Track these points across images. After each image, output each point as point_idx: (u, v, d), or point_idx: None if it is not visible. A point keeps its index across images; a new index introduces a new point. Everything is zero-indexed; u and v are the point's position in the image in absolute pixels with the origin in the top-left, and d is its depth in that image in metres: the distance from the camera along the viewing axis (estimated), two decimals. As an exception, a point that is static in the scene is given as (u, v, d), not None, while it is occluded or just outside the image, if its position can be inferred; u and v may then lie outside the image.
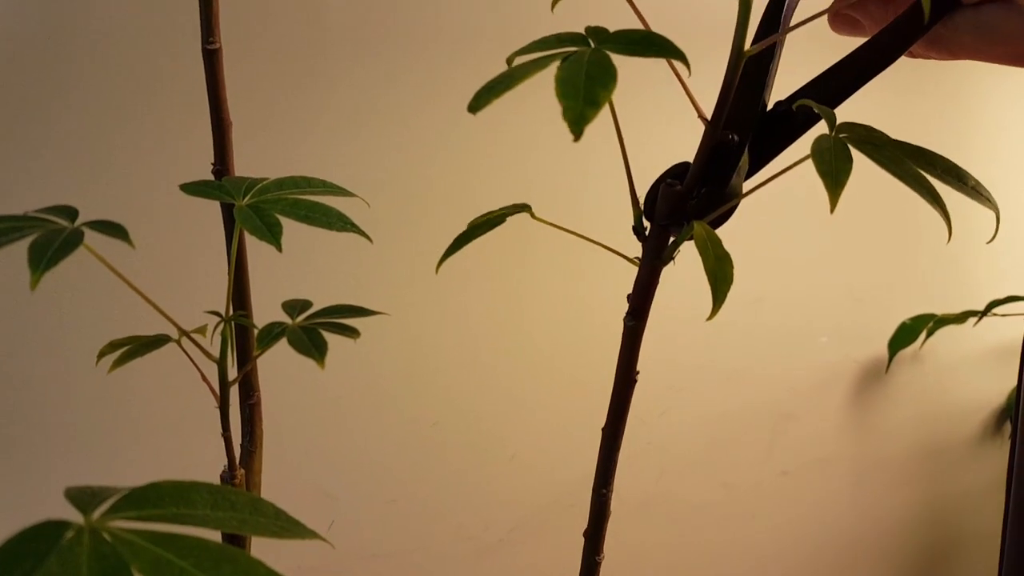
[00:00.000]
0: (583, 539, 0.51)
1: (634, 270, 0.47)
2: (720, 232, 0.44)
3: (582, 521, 0.52)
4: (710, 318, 0.42)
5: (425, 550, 1.08)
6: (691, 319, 1.13)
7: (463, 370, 1.06)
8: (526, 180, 1.03)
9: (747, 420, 1.25)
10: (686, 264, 0.49)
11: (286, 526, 0.36)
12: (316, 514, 0.97)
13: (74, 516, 0.31)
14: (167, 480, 0.34)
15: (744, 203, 0.45)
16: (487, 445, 1.10)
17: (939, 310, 1.29)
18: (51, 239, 0.36)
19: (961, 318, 1.26)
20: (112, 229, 0.37)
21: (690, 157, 0.44)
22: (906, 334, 1.26)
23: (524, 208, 0.52)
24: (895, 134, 0.42)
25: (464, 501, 1.10)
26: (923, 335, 1.28)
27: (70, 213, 0.39)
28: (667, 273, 0.48)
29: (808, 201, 1.18)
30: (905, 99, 1.23)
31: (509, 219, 0.53)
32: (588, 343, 1.09)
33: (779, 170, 0.44)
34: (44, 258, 0.34)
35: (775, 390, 1.26)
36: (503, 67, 0.39)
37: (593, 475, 0.50)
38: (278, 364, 0.56)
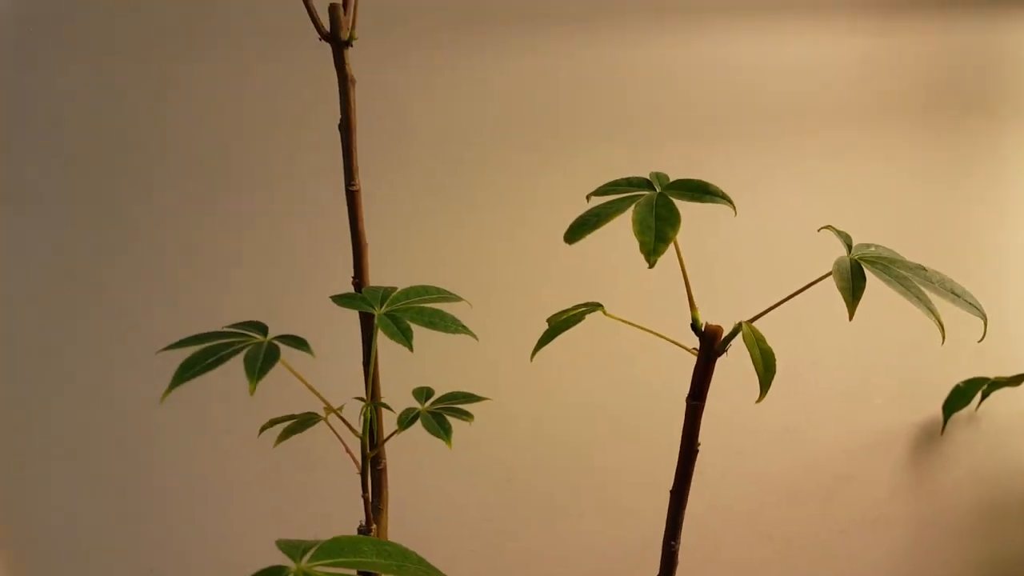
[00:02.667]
0: (655, 586, 0.62)
1: (692, 358, 0.59)
2: (771, 301, 0.55)
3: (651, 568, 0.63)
4: (759, 401, 0.54)
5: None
6: (748, 385, 1.23)
7: (538, 436, 1.18)
8: (602, 284, 1.16)
9: (804, 480, 1.34)
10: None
11: (428, 571, 0.48)
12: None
13: (286, 562, 0.44)
14: (343, 536, 0.48)
15: (799, 270, 0.57)
16: (560, 500, 1.21)
17: (993, 372, 1.36)
18: (256, 353, 0.49)
19: (1015, 381, 1.33)
20: (297, 342, 0.51)
21: (740, 263, 0.56)
22: (960, 397, 1.33)
23: (598, 307, 0.65)
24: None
25: (535, 554, 1.21)
26: (978, 398, 1.35)
27: (261, 328, 0.53)
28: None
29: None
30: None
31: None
32: (651, 418, 1.21)
33: (803, 286, 0.56)
34: (256, 369, 0.48)
35: (831, 451, 1.35)
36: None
37: (655, 536, 0.61)
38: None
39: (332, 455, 0.70)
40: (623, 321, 0.64)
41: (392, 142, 1.07)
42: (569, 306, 0.66)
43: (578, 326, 0.67)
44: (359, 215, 0.62)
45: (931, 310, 0.49)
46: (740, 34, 1.17)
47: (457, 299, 0.64)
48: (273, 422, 0.63)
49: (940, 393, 1.38)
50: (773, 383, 1.20)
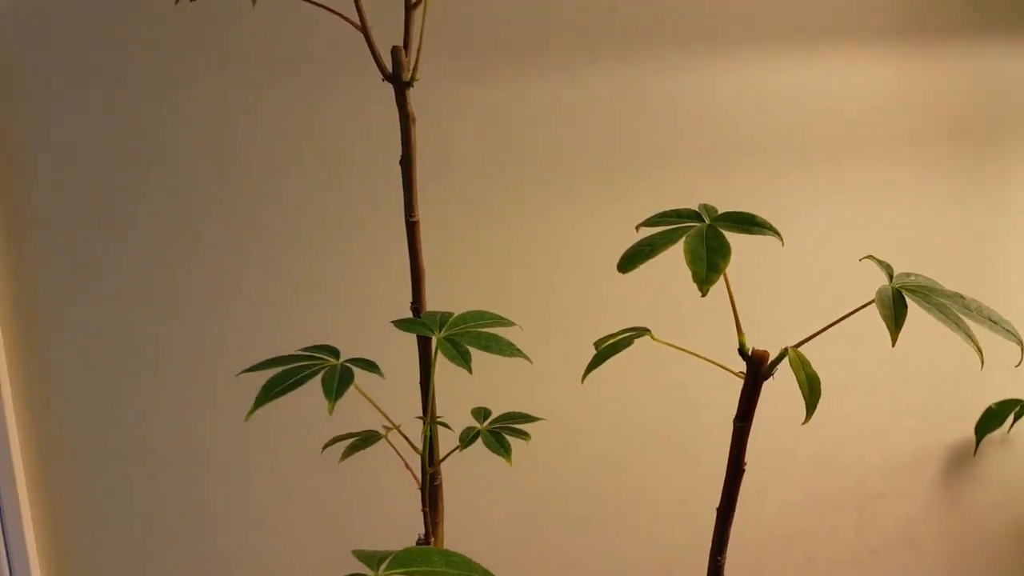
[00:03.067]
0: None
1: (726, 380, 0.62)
2: (806, 326, 0.58)
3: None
4: (805, 423, 0.57)
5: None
6: (784, 406, 1.26)
7: (574, 452, 1.21)
8: (647, 310, 1.19)
9: (837, 500, 1.36)
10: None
11: (488, 579, 0.51)
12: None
13: (365, 570, 0.47)
14: (413, 547, 0.51)
15: (831, 295, 0.60)
16: (595, 515, 1.24)
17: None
18: (332, 375, 0.53)
19: (1047, 402, 1.34)
20: (368, 365, 0.55)
21: (779, 292, 0.59)
22: (992, 418, 1.35)
23: (645, 331, 0.68)
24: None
25: (574, 566, 1.24)
26: (1011, 420, 1.36)
27: (333, 352, 0.57)
28: None
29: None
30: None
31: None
32: (684, 437, 1.23)
33: (843, 314, 0.59)
34: (333, 390, 0.51)
35: (864, 471, 1.36)
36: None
37: (686, 555, 0.64)
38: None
39: (386, 471, 0.73)
40: (671, 346, 0.67)
41: (445, 172, 1.11)
42: (616, 331, 0.69)
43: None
44: (418, 245, 0.66)
45: (970, 336, 0.51)
46: (777, 68, 1.20)
47: (510, 324, 0.67)
48: (336, 439, 0.66)
49: (973, 415, 1.39)
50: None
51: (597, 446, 1.23)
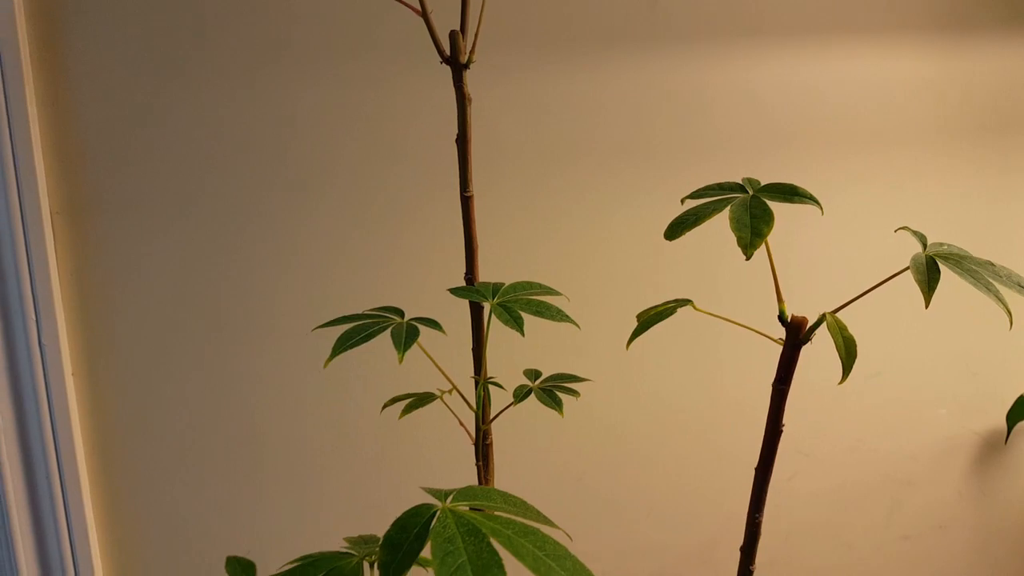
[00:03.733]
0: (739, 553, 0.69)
1: (773, 348, 0.66)
2: (842, 313, 0.62)
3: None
4: (841, 383, 0.60)
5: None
6: (818, 393, 1.29)
7: (610, 432, 1.25)
8: (688, 284, 1.23)
9: (869, 486, 1.38)
10: (814, 346, 0.67)
11: (543, 519, 0.55)
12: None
13: (433, 502, 0.51)
14: (475, 486, 0.55)
15: (866, 271, 0.63)
16: (626, 499, 1.27)
17: (1058, 383, 1.40)
18: (400, 330, 0.57)
19: (1078, 392, 1.36)
20: (431, 323, 0.59)
21: (819, 266, 0.62)
22: (1023, 407, 1.37)
23: (687, 302, 0.72)
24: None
25: (605, 549, 1.27)
26: (1042, 408, 1.38)
27: (398, 312, 0.61)
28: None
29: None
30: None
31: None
32: (724, 410, 1.27)
33: (881, 280, 0.62)
34: (402, 342, 0.56)
35: (896, 458, 1.39)
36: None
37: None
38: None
39: (441, 430, 0.77)
40: (713, 315, 0.71)
41: (499, 153, 1.15)
42: (658, 303, 0.73)
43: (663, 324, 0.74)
44: (472, 219, 0.70)
45: (1000, 299, 0.55)
46: (812, 60, 1.23)
47: (557, 293, 0.71)
48: (395, 399, 0.71)
49: (1005, 404, 1.42)
50: (841, 396, 1.28)
51: (635, 424, 1.26)
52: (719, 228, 0.69)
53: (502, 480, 1.19)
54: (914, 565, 1.42)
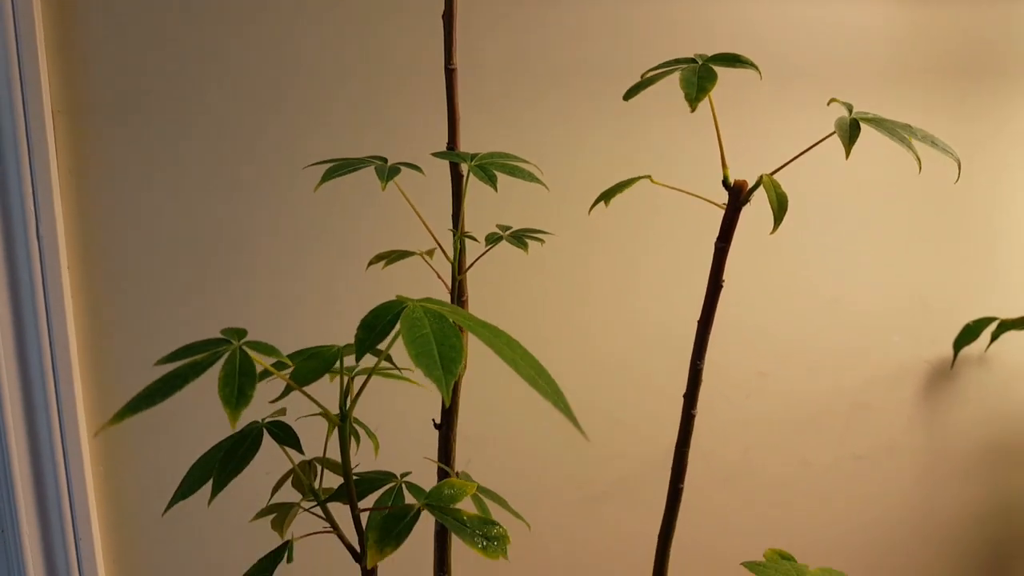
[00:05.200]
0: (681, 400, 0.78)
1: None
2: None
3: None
4: (772, 232, 0.69)
5: (541, 494, 1.35)
6: (774, 314, 1.38)
7: (574, 341, 1.34)
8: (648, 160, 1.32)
9: (824, 406, 1.48)
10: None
11: (513, 344, 0.63)
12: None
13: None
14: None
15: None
16: (593, 408, 1.37)
17: (1008, 315, 1.50)
18: (383, 168, 0.66)
19: (1022, 323, 1.46)
20: (412, 166, 0.67)
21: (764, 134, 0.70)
22: (969, 334, 1.47)
23: (646, 177, 0.80)
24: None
25: (575, 454, 1.37)
26: (988, 338, 1.48)
27: (383, 159, 0.69)
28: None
29: (880, 209, 1.43)
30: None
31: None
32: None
33: (811, 144, 0.71)
34: (384, 176, 0.64)
35: (850, 381, 1.49)
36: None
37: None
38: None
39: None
40: (666, 186, 0.79)
41: (484, 76, 1.23)
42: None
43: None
44: (455, 91, 0.78)
45: (911, 148, 0.64)
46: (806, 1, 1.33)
47: (536, 180, 0.79)
48: (379, 256, 0.79)
49: (953, 334, 1.52)
50: (800, 319, 1.37)
51: (615, 335, 1.35)
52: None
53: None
54: (865, 482, 1.53)
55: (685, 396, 0.78)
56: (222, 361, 0.49)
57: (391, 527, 0.56)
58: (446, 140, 0.79)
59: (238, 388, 0.46)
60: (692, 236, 1.33)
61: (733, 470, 1.45)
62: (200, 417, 1.20)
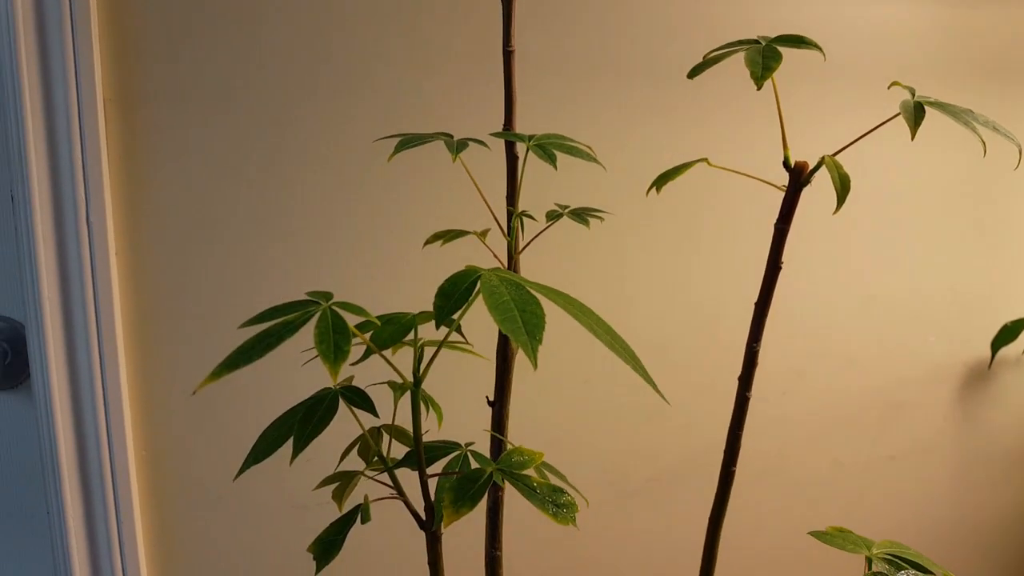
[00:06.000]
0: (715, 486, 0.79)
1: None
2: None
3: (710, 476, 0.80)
4: (835, 212, 0.70)
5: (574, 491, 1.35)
6: (811, 311, 1.39)
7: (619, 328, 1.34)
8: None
9: (859, 406, 1.48)
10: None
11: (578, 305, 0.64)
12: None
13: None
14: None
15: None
16: (630, 404, 1.37)
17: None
18: (451, 141, 0.67)
19: (1061, 325, 1.46)
20: (478, 141, 0.68)
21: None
22: (1007, 335, 1.47)
23: (703, 160, 0.81)
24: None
25: (609, 451, 1.37)
26: (1025, 339, 1.48)
27: (449, 135, 0.71)
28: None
29: (917, 208, 1.44)
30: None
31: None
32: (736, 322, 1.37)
33: (875, 126, 0.72)
34: (454, 149, 0.65)
35: (886, 381, 1.49)
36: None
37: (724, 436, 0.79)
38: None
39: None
40: (724, 168, 0.80)
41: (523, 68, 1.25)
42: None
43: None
44: (512, 72, 0.79)
45: (975, 130, 0.65)
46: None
47: (594, 159, 0.80)
48: (436, 236, 0.80)
49: (989, 335, 1.52)
50: (836, 317, 1.38)
51: (656, 328, 1.36)
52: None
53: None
54: (899, 484, 1.52)
55: (740, 379, 0.79)
56: (315, 320, 0.50)
57: (466, 489, 0.57)
58: (487, 126, 0.80)
59: (334, 344, 0.48)
60: (741, 223, 1.34)
61: (767, 467, 1.45)
62: (242, 405, 1.22)
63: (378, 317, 0.61)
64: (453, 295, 0.55)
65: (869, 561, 0.74)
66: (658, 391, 0.52)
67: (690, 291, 1.36)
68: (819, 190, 1.35)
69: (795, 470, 1.47)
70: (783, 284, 1.44)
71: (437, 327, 0.54)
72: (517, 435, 1.36)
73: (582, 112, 1.27)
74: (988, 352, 1.51)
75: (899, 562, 0.72)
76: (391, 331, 0.57)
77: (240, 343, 0.51)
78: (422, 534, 0.68)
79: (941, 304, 1.50)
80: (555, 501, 0.59)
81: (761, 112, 1.18)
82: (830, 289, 1.42)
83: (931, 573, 0.71)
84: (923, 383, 1.51)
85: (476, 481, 0.58)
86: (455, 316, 0.57)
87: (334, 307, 0.51)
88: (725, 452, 0.81)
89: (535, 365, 0.49)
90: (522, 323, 0.52)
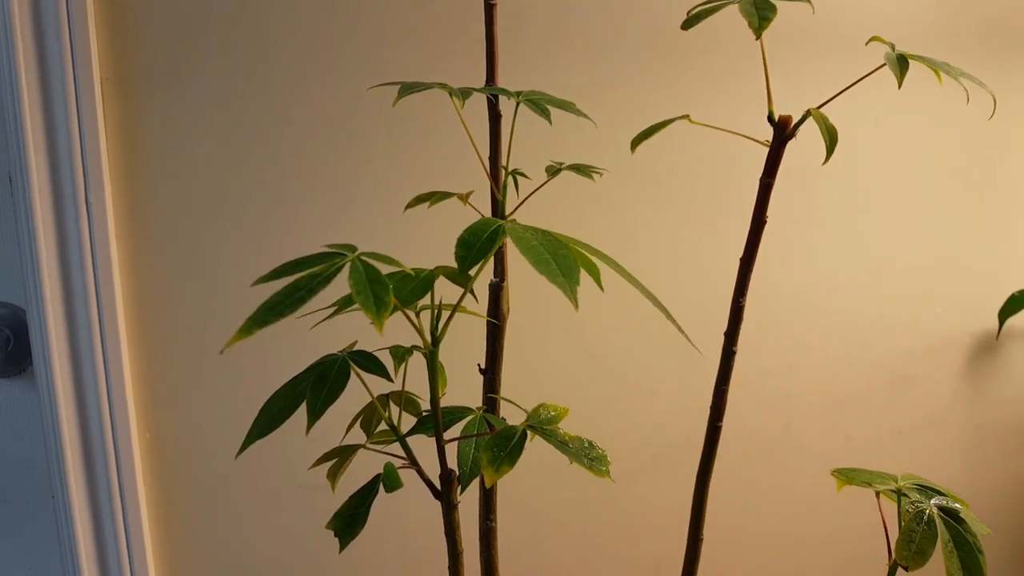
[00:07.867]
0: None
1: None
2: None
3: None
4: (824, 162, 0.70)
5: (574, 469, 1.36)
6: (815, 285, 1.39)
7: (616, 312, 1.35)
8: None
9: (867, 380, 1.48)
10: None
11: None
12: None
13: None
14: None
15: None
16: (634, 381, 1.38)
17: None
18: (454, 90, 0.68)
19: (1071, 294, 1.46)
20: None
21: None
22: (1014, 304, 1.46)
23: (684, 116, 0.81)
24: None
25: (614, 429, 1.38)
26: (1034, 311, 1.48)
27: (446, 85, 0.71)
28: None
29: (921, 179, 1.43)
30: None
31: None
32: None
33: (860, 77, 0.72)
34: (461, 96, 0.66)
35: (893, 354, 1.48)
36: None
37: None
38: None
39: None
40: (706, 125, 0.81)
41: (524, 44, 1.24)
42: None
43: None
44: (494, 28, 0.80)
45: (949, 73, 0.65)
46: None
47: (584, 115, 0.81)
48: (419, 199, 0.81)
49: (997, 306, 1.51)
50: (842, 291, 1.37)
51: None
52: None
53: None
54: (909, 458, 1.52)
55: (726, 334, 0.79)
56: (346, 271, 0.49)
57: (503, 446, 0.57)
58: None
59: (373, 295, 0.47)
60: (731, 182, 1.33)
61: (774, 445, 1.45)
62: (246, 386, 1.23)
63: (394, 274, 0.59)
64: (474, 245, 0.54)
65: (899, 494, 0.75)
66: (687, 337, 0.53)
67: (679, 258, 1.36)
68: (823, 170, 1.35)
69: (803, 445, 1.47)
70: (789, 260, 1.45)
71: (461, 274, 0.52)
72: (512, 416, 1.36)
73: (557, 69, 1.27)
74: (995, 323, 1.51)
75: (928, 491, 0.73)
76: (412, 287, 0.56)
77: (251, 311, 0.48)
78: (422, 509, 0.68)
79: (947, 276, 1.49)
80: (588, 455, 0.60)
81: (749, 70, 1.19)
82: (836, 262, 1.42)
83: (959, 500, 0.73)
84: (931, 355, 1.51)
85: (511, 438, 0.58)
86: (476, 268, 0.55)
87: (363, 257, 0.50)
88: (711, 407, 0.82)
89: (576, 305, 0.49)
90: (556, 265, 0.52)
